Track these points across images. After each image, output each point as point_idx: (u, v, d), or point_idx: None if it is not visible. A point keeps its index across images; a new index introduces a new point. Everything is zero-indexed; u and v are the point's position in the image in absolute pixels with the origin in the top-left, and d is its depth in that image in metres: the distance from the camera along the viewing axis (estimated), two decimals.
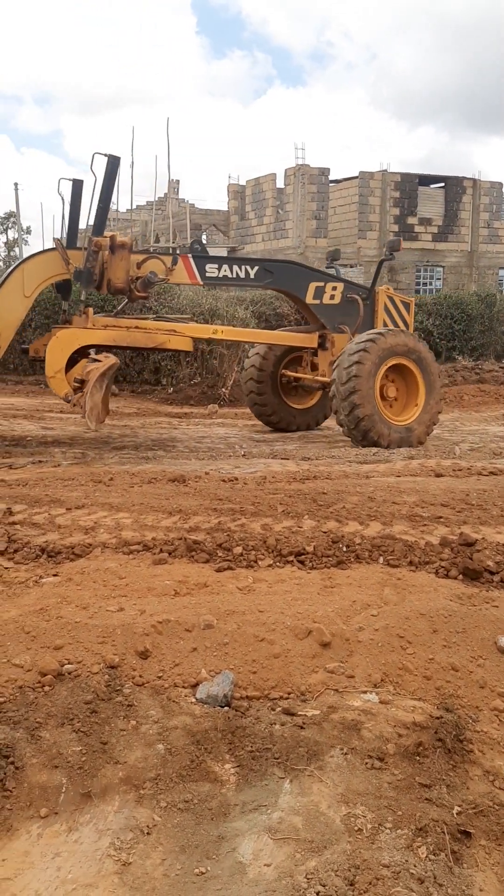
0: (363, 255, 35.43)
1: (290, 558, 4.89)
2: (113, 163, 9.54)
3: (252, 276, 10.46)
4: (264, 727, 3.11)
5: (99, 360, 8.87)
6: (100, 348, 9.54)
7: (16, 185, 65.26)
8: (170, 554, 4.97)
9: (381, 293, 11.26)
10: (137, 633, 3.64)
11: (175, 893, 2.36)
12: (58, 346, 9.02)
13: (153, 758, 2.93)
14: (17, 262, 9.92)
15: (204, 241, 39.22)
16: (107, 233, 9.69)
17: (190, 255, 10.25)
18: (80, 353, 9.34)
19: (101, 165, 9.44)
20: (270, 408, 11.99)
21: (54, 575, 4.60)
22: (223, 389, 15.55)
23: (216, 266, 10.35)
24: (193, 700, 3.27)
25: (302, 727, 3.11)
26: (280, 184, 36.47)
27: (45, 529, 5.42)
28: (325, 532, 5.20)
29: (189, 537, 5.19)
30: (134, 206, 37.31)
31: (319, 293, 10.84)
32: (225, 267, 10.41)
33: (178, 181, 38.45)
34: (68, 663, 3.39)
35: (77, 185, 9.90)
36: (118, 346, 9.92)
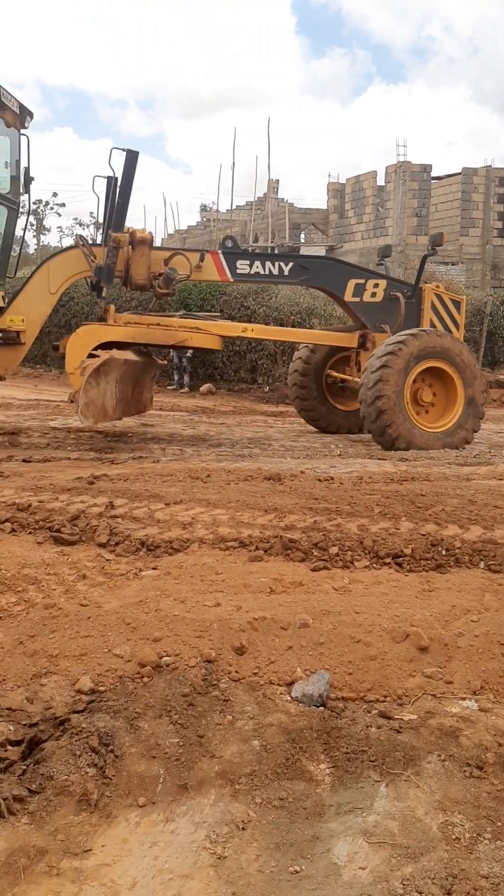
0: (465, 252, 34.65)
1: (388, 560, 4.83)
2: (131, 158, 9.47)
3: (286, 272, 10.16)
4: (360, 729, 3.08)
5: (97, 356, 8.58)
6: (122, 345, 9.36)
7: None
8: (265, 552, 4.99)
9: (427, 291, 10.65)
10: (234, 628, 3.67)
11: (269, 890, 2.36)
12: (77, 342, 9.06)
13: (248, 753, 2.94)
14: (43, 260, 10.07)
15: (302, 240, 39.19)
16: (133, 228, 9.61)
17: (220, 252, 10.13)
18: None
19: (120, 161, 9.46)
20: (315, 409, 11.70)
21: (153, 568, 4.68)
22: None
23: (248, 262, 10.07)
24: (289, 698, 3.27)
25: (398, 731, 3.07)
26: (381, 181, 36.08)
27: (145, 524, 5.53)
28: (423, 535, 5.11)
29: (285, 536, 5.20)
30: (234, 207, 37.64)
31: (360, 290, 10.37)
32: (257, 263, 10.10)
33: (277, 181, 38.53)
34: (166, 655, 3.45)
35: (112, 181, 9.80)
36: (140, 344, 9.71)
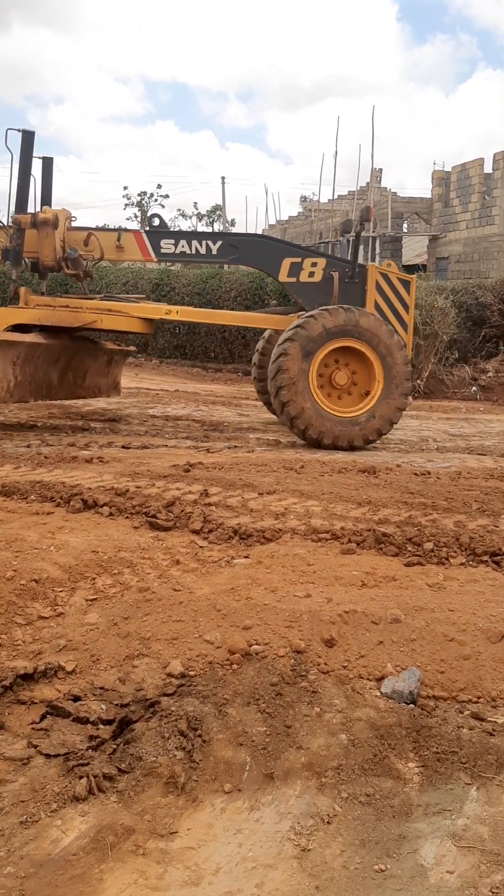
0: None
1: (485, 558, 4.70)
2: (27, 138, 9.45)
3: (214, 251, 9.71)
4: (451, 729, 3.00)
5: None
6: (33, 328, 9.31)
7: (223, 178, 67.46)
8: (358, 545, 4.93)
9: (371, 270, 9.79)
10: (324, 620, 3.64)
11: (353, 887, 2.33)
12: None
13: (336, 747, 2.91)
14: None
15: (405, 230, 38.49)
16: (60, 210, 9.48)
17: (143, 231, 9.84)
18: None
19: (16, 141, 9.41)
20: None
21: (245, 557, 4.70)
22: (418, 381, 15.22)
23: (172, 242, 9.65)
24: (378, 693, 3.22)
25: (491, 734, 2.97)
26: (488, 169, 35.03)
27: (238, 512, 5.55)
28: None
29: (378, 529, 5.12)
30: (335, 197, 37.31)
31: (295, 270, 9.65)
32: (183, 243, 9.66)
33: (380, 170, 37.92)
34: (256, 644, 3.45)
35: (47, 161, 9.86)
36: (47, 326, 9.46)
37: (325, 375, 9.00)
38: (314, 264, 9.60)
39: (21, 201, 9.54)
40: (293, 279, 9.59)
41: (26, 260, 9.69)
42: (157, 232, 9.78)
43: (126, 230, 9.91)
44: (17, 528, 4.86)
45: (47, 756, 2.82)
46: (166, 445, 8.38)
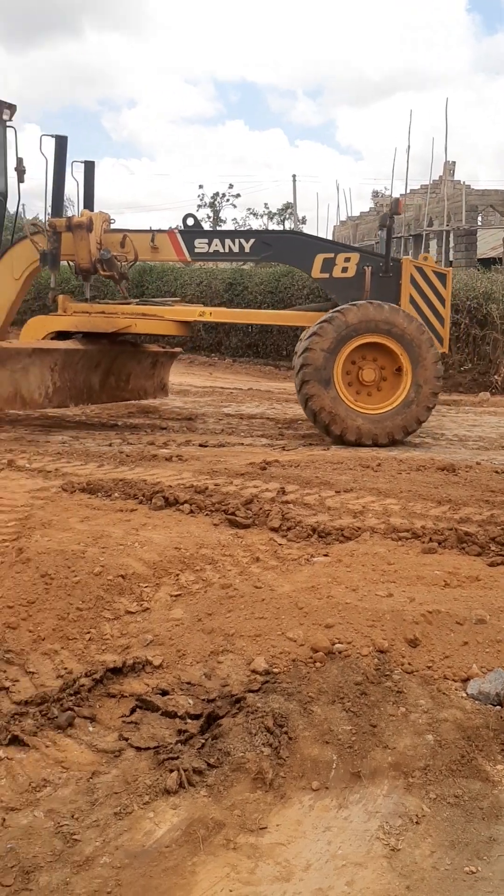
0: None
1: None
2: (61, 143, 9.55)
3: (248, 249, 9.68)
4: None
5: None
6: (72, 334, 9.57)
7: (294, 176, 67.33)
8: (439, 544, 4.88)
9: (406, 264, 9.55)
10: (407, 620, 3.62)
11: (444, 888, 2.32)
12: (28, 332, 9.44)
13: (422, 747, 2.90)
14: (7, 247, 10.18)
15: (479, 223, 37.69)
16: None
17: (177, 231, 9.85)
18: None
19: (50, 147, 9.49)
20: None
21: (325, 555, 4.70)
22: (496, 376, 14.92)
23: (206, 241, 9.65)
24: (464, 695, 3.19)
25: None
26: None
27: (316, 510, 5.56)
28: None
29: (460, 528, 5.06)
30: (407, 191, 36.84)
31: (328, 266, 9.49)
32: (216, 241, 9.65)
33: (453, 163, 37.28)
34: (339, 643, 3.45)
35: (89, 165, 9.99)
36: (87, 332, 9.68)
37: (354, 372, 8.94)
38: (347, 259, 9.49)
39: (56, 205, 9.77)
40: (326, 275, 9.52)
41: (70, 264, 9.89)
42: (191, 231, 9.85)
43: (160, 231, 10.02)
44: (102, 524, 4.97)
45: (138, 749, 2.89)
46: (242, 443, 8.44)
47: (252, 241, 9.64)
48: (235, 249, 9.64)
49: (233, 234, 10.02)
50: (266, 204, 50.72)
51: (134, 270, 19.27)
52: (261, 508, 5.42)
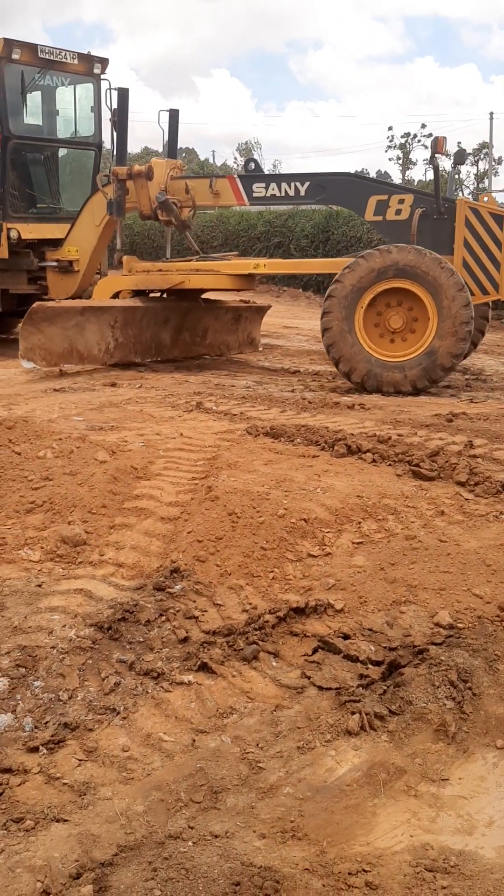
0: None
1: None
2: (123, 94, 9.75)
3: (303, 192, 9.40)
4: None
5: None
6: (137, 292, 9.94)
7: (491, 114, 63.66)
8: None
9: (461, 205, 8.60)
10: None
11: None
12: (98, 292, 10.06)
13: None
14: (89, 196, 10.61)
15: None
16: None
17: (236, 176, 9.86)
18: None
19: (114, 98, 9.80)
20: None
21: None
22: None
23: (263, 185, 9.56)
24: None
25: None
26: None
27: None
28: None
29: None
30: None
31: (382, 208, 8.94)
32: (273, 185, 9.53)
33: None
34: None
35: (174, 113, 10.36)
36: (146, 290, 9.95)
37: (385, 317, 8.49)
38: (401, 201, 9.03)
39: (120, 154, 10.08)
40: (379, 217, 9.14)
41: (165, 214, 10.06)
42: (249, 176, 9.88)
43: (219, 175, 10.14)
44: (285, 468, 5.04)
45: (320, 688, 2.94)
46: (427, 393, 8.23)
47: (307, 184, 9.51)
48: (291, 193, 9.61)
49: (288, 178, 9.88)
50: (459, 143, 48.34)
51: (319, 216, 19.31)
52: (447, 461, 5.27)
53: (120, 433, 6.00)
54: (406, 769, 2.52)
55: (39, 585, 3.72)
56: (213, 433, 6.06)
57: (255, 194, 9.71)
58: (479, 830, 2.29)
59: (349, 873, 2.10)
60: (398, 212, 9.07)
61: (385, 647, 3.19)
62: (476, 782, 2.48)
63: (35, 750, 2.59)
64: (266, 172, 11.07)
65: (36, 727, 2.70)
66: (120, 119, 9.90)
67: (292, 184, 9.61)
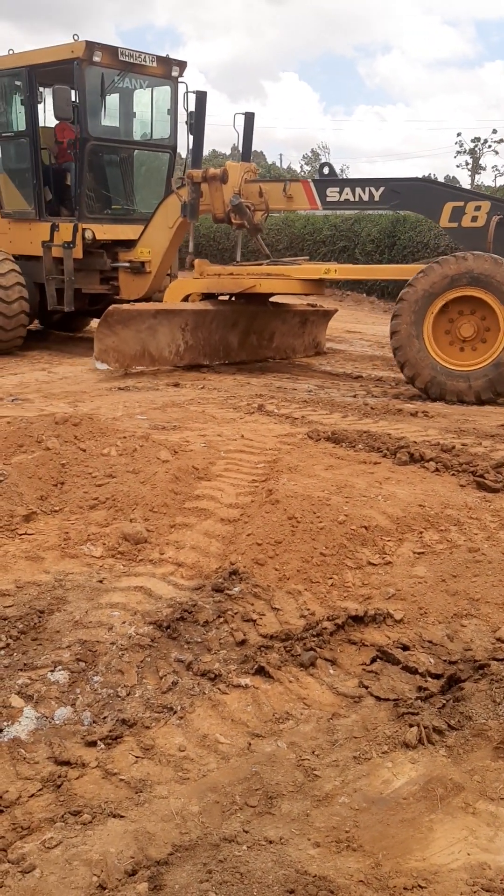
0: None
1: None
2: (200, 98, 9.70)
3: (377, 198, 9.19)
4: None
5: None
6: (206, 295, 9.95)
7: None
8: None
9: None
10: None
11: None
12: (169, 294, 10.09)
13: None
14: (164, 197, 10.63)
15: None
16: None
17: (310, 181, 9.69)
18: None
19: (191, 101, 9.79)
20: None
21: None
22: None
23: (337, 190, 9.41)
24: None
25: None
26: None
27: None
28: None
29: None
30: None
31: (457, 215, 8.68)
32: (347, 190, 9.37)
33: None
34: None
35: (249, 116, 10.21)
36: (216, 293, 9.95)
37: (456, 325, 8.28)
38: (478, 208, 8.76)
39: (196, 157, 10.07)
40: (455, 224, 8.93)
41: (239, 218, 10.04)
42: (324, 180, 9.75)
43: (293, 180, 9.97)
44: (346, 474, 5.01)
45: (378, 699, 2.91)
46: (493, 403, 8.09)
47: (382, 189, 9.34)
48: (365, 198, 9.45)
49: (363, 183, 9.68)
50: None
51: (386, 220, 19.15)
52: None
53: (182, 433, 6.05)
54: (464, 785, 2.48)
55: (101, 581, 3.77)
56: (274, 436, 6.06)
57: (328, 199, 9.64)
58: None
59: (404, 888, 2.07)
60: (474, 219, 8.91)
61: (445, 661, 3.14)
62: None
63: (93, 744, 2.62)
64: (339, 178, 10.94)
65: (94, 722, 2.74)
66: (197, 122, 9.95)
67: (367, 189, 9.49)
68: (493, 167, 48.62)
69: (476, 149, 48.71)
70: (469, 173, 49.42)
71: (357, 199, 9.55)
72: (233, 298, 10.09)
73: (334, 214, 20.35)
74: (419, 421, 7.02)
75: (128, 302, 10.60)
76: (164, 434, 5.94)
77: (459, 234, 9.10)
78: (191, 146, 10.13)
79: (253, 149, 10.93)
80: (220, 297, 10.08)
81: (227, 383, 8.70)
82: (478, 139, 47.48)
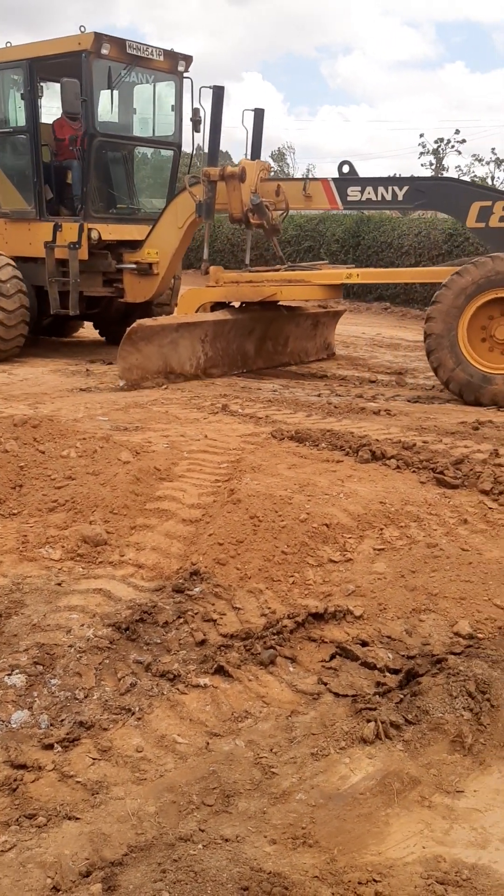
0: None
1: None
2: (217, 93, 9.39)
3: (401, 197, 9.02)
4: None
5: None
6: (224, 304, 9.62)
7: None
8: None
9: None
10: None
11: None
12: (183, 304, 9.80)
13: None
14: (172, 197, 10.29)
15: None
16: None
17: (330, 179, 9.42)
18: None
19: (207, 97, 9.47)
20: None
21: None
22: None
23: (359, 189, 9.19)
24: None
25: None
26: None
27: None
28: None
29: None
30: None
31: (485, 214, 8.55)
32: (369, 189, 9.16)
33: None
34: None
35: (259, 113, 9.89)
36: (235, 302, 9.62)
37: (491, 328, 8.19)
38: None
39: (212, 154, 9.79)
40: (482, 224, 8.79)
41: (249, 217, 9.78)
42: (344, 179, 9.49)
43: (313, 178, 9.79)
44: (308, 473, 5.02)
45: (336, 695, 2.92)
46: (453, 400, 8.17)
47: (406, 188, 9.16)
48: (388, 197, 9.27)
49: (386, 182, 9.55)
50: (493, 149, 47.72)
51: (350, 220, 19.22)
52: (471, 469, 5.22)
53: (144, 434, 6.02)
54: (420, 779, 2.50)
55: (59, 584, 3.74)
56: (238, 436, 6.06)
57: (349, 198, 9.42)
58: (494, 844, 2.25)
59: (359, 882, 2.08)
60: (502, 218, 8.75)
61: (403, 656, 3.16)
62: (491, 795, 2.45)
63: (50, 747, 2.60)
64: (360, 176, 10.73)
65: (51, 725, 2.72)
66: (214, 118, 9.59)
67: (390, 188, 9.29)
68: (456, 167, 49.01)
69: (439, 149, 49.08)
70: (433, 174, 49.79)
71: (380, 198, 9.34)
72: (242, 305, 9.78)
73: (299, 214, 20.38)
74: (382, 419, 7.07)
75: (130, 303, 10.46)
76: (126, 435, 5.91)
77: (486, 233, 8.94)
78: (206, 143, 9.80)
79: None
80: (233, 304, 9.81)
81: (191, 383, 8.68)
82: (441, 140, 47.83)
